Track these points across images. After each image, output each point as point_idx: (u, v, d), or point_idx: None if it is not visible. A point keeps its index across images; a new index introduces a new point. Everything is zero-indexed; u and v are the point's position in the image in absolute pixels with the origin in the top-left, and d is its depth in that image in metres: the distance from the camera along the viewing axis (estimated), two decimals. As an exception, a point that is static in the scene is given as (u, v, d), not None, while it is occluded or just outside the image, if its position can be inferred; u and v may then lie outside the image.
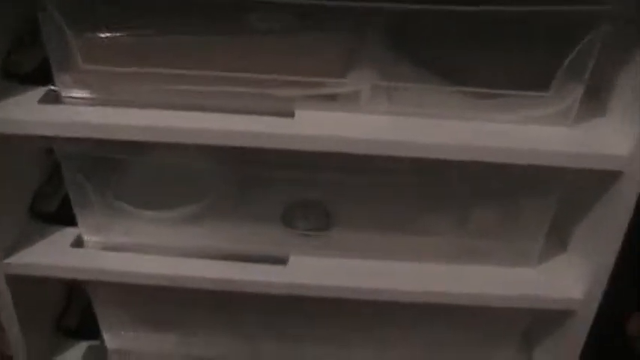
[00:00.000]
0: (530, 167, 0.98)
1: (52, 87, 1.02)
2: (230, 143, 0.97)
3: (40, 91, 1.03)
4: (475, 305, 1.13)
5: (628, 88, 0.98)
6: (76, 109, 1.00)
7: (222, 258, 1.14)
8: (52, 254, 1.16)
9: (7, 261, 1.13)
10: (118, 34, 0.99)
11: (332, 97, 1.00)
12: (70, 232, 1.19)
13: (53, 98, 1.02)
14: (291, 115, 0.98)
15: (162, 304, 1.26)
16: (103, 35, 0.98)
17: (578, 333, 1.16)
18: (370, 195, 1.12)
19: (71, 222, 1.18)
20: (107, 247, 1.16)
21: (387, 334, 1.27)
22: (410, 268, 1.15)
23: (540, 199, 1.09)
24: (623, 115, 0.98)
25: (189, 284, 1.13)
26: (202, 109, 0.98)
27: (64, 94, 1.01)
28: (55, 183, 1.23)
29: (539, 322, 1.26)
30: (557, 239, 1.19)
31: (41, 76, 1.03)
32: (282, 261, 1.14)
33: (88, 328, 1.35)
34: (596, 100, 1.04)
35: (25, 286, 1.20)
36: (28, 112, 0.99)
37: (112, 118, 0.98)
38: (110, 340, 1.33)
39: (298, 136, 0.96)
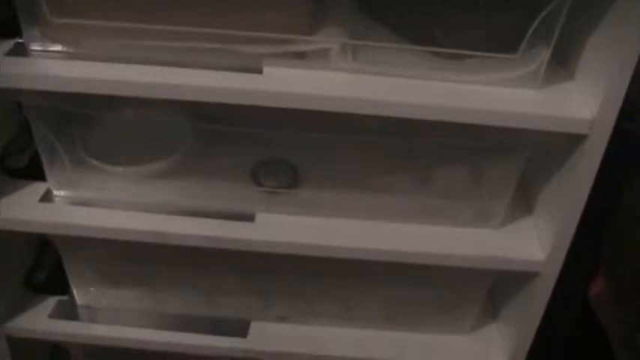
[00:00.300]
0: (496, 129, 0.99)
1: (20, 39, 1.02)
2: (199, 99, 0.97)
3: (8, 44, 1.03)
4: (438, 265, 1.14)
5: (594, 53, 1.00)
6: (45, 62, 1.00)
7: (190, 214, 1.15)
8: (21, 208, 1.16)
9: (-27, 214, 1.14)
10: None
11: (300, 55, 1.00)
12: (39, 187, 1.19)
13: (21, 51, 1.01)
14: (260, 71, 0.99)
15: (131, 260, 1.27)
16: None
17: (540, 295, 1.18)
18: (337, 153, 1.13)
19: (42, 178, 1.19)
20: (76, 202, 1.16)
21: (351, 292, 1.28)
22: (374, 226, 1.16)
23: (506, 161, 1.10)
24: (589, 79, 0.99)
25: (158, 240, 1.13)
26: (171, 64, 0.98)
27: (32, 47, 1.01)
28: (26, 138, 1.23)
29: (503, 283, 1.28)
30: (523, 201, 1.21)
31: (9, 29, 1.03)
32: (249, 218, 1.15)
33: (57, 284, 1.36)
34: (562, 64, 1.06)
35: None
36: (-6, 64, 0.99)
37: (81, 71, 0.98)
38: (80, 295, 1.34)
39: (266, 92, 0.96)
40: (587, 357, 1.48)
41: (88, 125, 1.18)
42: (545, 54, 0.99)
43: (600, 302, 1.37)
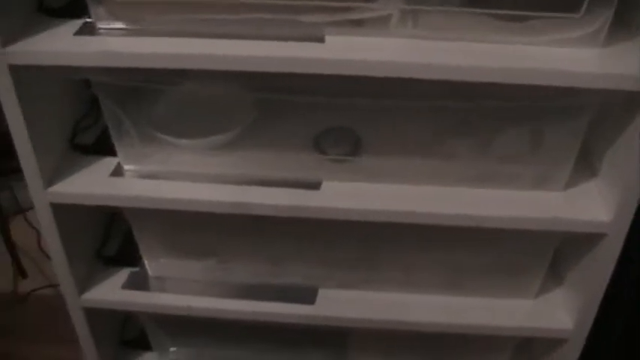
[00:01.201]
0: (558, 90, 0.99)
1: (88, 19, 1.05)
2: (262, 69, 0.98)
3: (75, 24, 1.06)
4: (502, 228, 1.14)
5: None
6: (111, 40, 1.03)
7: (255, 184, 1.17)
8: (93, 183, 1.19)
9: (50, 190, 1.18)
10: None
11: (360, 22, 1.01)
12: (109, 162, 1.23)
13: (89, 30, 1.04)
14: (322, 40, 1.00)
15: (198, 230, 1.30)
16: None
17: (607, 257, 1.17)
18: (398, 120, 1.13)
19: (111, 153, 1.22)
20: (145, 176, 1.19)
21: (415, 257, 1.29)
22: (437, 191, 1.17)
23: (569, 123, 1.10)
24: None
25: (224, 210, 1.16)
26: (233, 36, 1.00)
27: (99, 25, 1.04)
28: (95, 115, 1.26)
29: (569, 247, 1.27)
30: (586, 163, 1.20)
31: (75, 10, 1.06)
32: (315, 186, 1.17)
33: (128, 256, 1.40)
34: (625, 24, 1.04)
35: (67, 215, 1.24)
36: (64, 44, 1.02)
37: (146, 47, 1.00)
38: (150, 266, 1.38)
39: (329, 60, 0.97)
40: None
41: (154, 100, 1.21)
42: (607, 13, 0.98)
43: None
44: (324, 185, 1.17)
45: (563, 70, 0.98)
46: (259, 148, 1.20)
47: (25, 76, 1.04)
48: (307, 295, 1.33)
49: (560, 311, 1.31)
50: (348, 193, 1.16)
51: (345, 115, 1.16)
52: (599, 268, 1.20)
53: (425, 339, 1.36)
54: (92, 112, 1.26)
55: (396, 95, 1.04)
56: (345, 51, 0.98)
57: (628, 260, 1.19)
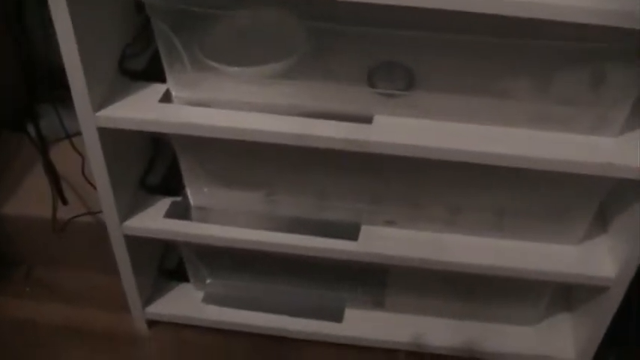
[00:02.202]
0: (617, 30, 0.96)
1: None
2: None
3: None
4: (553, 170, 1.13)
5: None
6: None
7: (307, 116, 1.16)
8: (141, 109, 1.19)
9: (98, 114, 1.17)
10: None
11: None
12: (158, 88, 1.22)
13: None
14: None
15: (245, 161, 1.29)
16: None
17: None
18: (454, 56, 1.11)
19: (160, 79, 1.21)
20: (194, 103, 1.19)
21: (461, 197, 1.29)
22: (491, 130, 1.16)
23: (628, 66, 1.07)
24: None
25: (273, 140, 1.15)
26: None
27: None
28: (144, 41, 1.25)
29: (616, 195, 1.25)
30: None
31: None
32: (367, 120, 1.16)
33: (171, 186, 1.40)
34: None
35: (114, 141, 1.24)
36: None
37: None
38: (193, 196, 1.38)
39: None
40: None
41: (207, 26, 1.19)
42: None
43: None
44: (376, 119, 1.16)
45: (622, 10, 0.95)
46: (312, 79, 1.18)
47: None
48: (350, 231, 1.33)
49: (604, 259, 1.30)
50: (400, 129, 1.15)
51: (400, 50, 1.14)
52: (647, 218, 1.19)
53: (464, 280, 1.36)
54: (143, 37, 1.25)
55: (451, 30, 1.02)
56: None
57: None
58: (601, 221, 1.34)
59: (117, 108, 1.19)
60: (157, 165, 1.44)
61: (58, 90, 1.35)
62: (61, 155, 1.59)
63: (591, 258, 1.31)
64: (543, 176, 1.15)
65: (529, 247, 1.32)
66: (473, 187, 1.26)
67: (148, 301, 1.56)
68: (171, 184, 1.40)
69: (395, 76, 1.17)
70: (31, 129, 1.63)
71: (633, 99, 1.12)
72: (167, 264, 1.61)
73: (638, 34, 0.97)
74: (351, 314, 1.53)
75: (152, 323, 1.59)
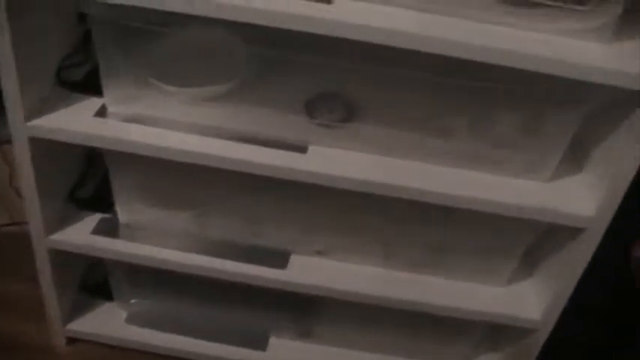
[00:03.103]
0: (559, 79, 0.98)
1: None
2: (263, 22, 0.96)
3: None
4: (486, 212, 1.14)
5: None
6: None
7: (242, 141, 1.15)
8: (75, 121, 1.16)
9: (30, 124, 1.14)
10: None
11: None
12: (94, 102, 1.20)
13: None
14: (329, 1, 0.98)
15: (178, 181, 1.27)
16: None
17: (584, 252, 1.18)
18: (394, 91, 1.12)
19: (97, 93, 1.19)
20: (129, 119, 1.17)
21: (393, 232, 1.29)
22: (424, 167, 1.17)
23: (565, 114, 1.09)
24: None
25: (208, 162, 1.14)
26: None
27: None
28: (85, 52, 1.23)
29: (545, 238, 1.27)
30: (573, 157, 1.20)
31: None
32: (302, 149, 1.15)
33: (101, 201, 1.37)
34: (636, 19, 1.03)
35: (45, 152, 1.21)
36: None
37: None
38: (123, 213, 1.35)
39: (333, 21, 0.95)
40: (622, 318, 1.49)
41: (150, 43, 1.17)
42: (617, 8, 0.97)
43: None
44: (311, 149, 1.16)
45: (567, 60, 0.97)
46: (250, 105, 1.18)
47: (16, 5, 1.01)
48: (279, 259, 1.32)
49: (530, 301, 1.32)
50: (334, 160, 1.15)
51: (340, 81, 1.15)
52: (573, 263, 1.20)
53: (393, 315, 1.36)
54: (84, 48, 1.23)
55: (393, 65, 1.03)
56: (349, 15, 0.96)
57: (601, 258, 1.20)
58: (529, 263, 1.36)
59: (50, 119, 1.16)
60: (88, 179, 1.41)
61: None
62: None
63: (518, 299, 1.32)
64: (474, 216, 1.16)
65: (458, 286, 1.33)
66: (405, 222, 1.26)
67: (69, 317, 1.51)
68: (101, 200, 1.37)
69: (334, 107, 1.17)
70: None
71: (565, 145, 1.14)
72: (92, 281, 1.57)
73: (575, 83, 0.99)
74: (276, 343, 1.52)
75: (72, 340, 1.54)
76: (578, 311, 1.29)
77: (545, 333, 1.31)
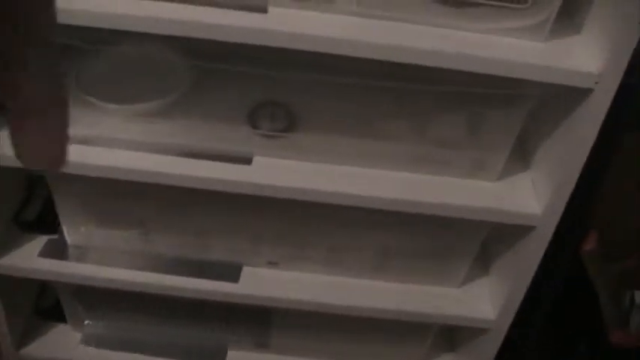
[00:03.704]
0: (499, 79, 0.98)
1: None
2: (202, 36, 0.95)
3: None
4: (432, 214, 1.14)
5: (603, 6, 0.98)
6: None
7: (186, 155, 1.13)
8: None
9: (-36, 148, 1.11)
10: None
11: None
12: (31, 122, 1.17)
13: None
14: (265, 11, 0.96)
15: (123, 199, 1.25)
16: None
17: (535, 250, 1.18)
18: (335, 98, 1.11)
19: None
20: (70, 139, 1.14)
21: (343, 238, 1.28)
22: (370, 173, 1.16)
23: (507, 113, 1.09)
24: (597, 33, 0.98)
25: (152, 179, 1.12)
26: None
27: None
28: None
29: (496, 237, 1.27)
30: (520, 155, 1.20)
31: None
32: (247, 161, 1.14)
33: (46, 223, 1.34)
34: (571, 16, 1.04)
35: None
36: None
37: (76, 3, 0.95)
38: (70, 234, 1.32)
39: (269, 31, 0.94)
40: (575, 313, 1.50)
41: (84, 60, 1.15)
42: (554, 5, 0.97)
43: (591, 259, 1.38)
44: (256, 160, 1.14)
45: (505, 59, 0.97)
46: (191, 118, 1.16)
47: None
48: (231, 272, 1.30)
49: (484, 301, 1.32)
50: (280, 170, 1.14)
51: (281, 90, 1.13)
52: (525, 261, 1.20)
53: (348, 321, 1.35)
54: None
55: (334, 73, 1.02)
56: (286, 24, 0.95)
57: (552, 255, 1.20)
58: (482, 263, 1.36)
59: (-15, 142, 1.13)
60: (32, 201, 1.38)
61: None
62: None
63: (471, 300, 1.32)
64: (424, 219, 1.16)
65: (410, 289, 1.32)
66: (354, 229, 1.25)
67: (21, 341, 1.48)
68: (47, 221, 1.34)
69: (276, 117, 1.15)
70: None
71: (511, 144, 1.14)
72: (43, 303, 1.54)
73: (515, 83, 0.99)
74: (234, 356, 1.50)
75: (26, 365, 1.51)
76: (532, 308, 1.30)
77: (501, 332, 1.31)
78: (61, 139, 0.38)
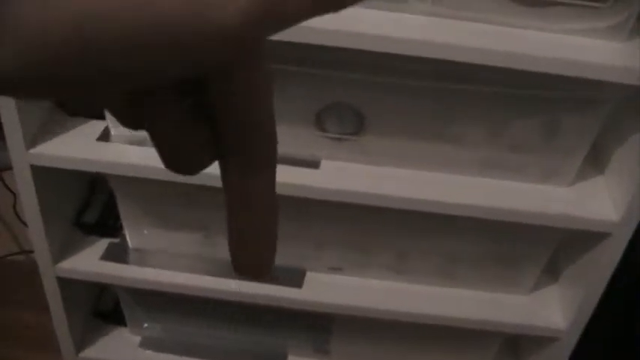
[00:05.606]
0: (576, 80, 0.95)
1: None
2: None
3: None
4: (505, 221, 1.10)
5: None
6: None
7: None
8: (79, 147, 1.13)
9: (31, 151, 1.11)
10: None
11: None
12: (97, 125, 1.16)
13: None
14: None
15: (185, 202, 1.24)
16: None
17: (610, 258, 1.14)
18: (406, 100, 1.08)
19: (99, 116, 1.16)
20: (133, 142, 1.13)
21: (409, 244, 1.24)
22: (440, 178, 1.13)
23: (584, 116, 1.05)
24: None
25: (216, 183, 1.10)
26: None
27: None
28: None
29: (569, 244, 1.23)
30: (595, 160, 1.16)
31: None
32: (314, 164, 1.11)
33: (108, 226, 1.34)
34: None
35: (48, 179, 1.18)
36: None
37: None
38: (132, 238, 1.31)
39: (340, 32, 0.92)
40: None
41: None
42: (635, 6, 0.93)
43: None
44: (324, 164, 1.12)
45: (583, 60, 0.94)
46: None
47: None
48: (295, 278, 1.28)
49: (554, 310, 1.27)
50: (347, 174, 1.11)
51: (350, 92, 1.11)
52: (599, 269, 1.16)
53: (412, 329, 1.32)
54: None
55: (404, 73, 0.99)
56: (360, 24, 0.93)
57: (627, 262, 1.16)
58: (552, 270, 1.32)
59: (51, 145, 1.12)
60: (93, 204, 1.37)
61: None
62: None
63: (541, 308, 1.28)
64: (494, 225, 1.12)
65: (478, 296, 1.29)
66: (422, 235, 1.22)
67: (81, 344, 1.48)
68: (108, 224, 1.34)
69: (344, 119, 1.13)
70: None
71: (587, 149, 1.10)
72: (103, 306, 1.54)
73: (594, 85, 0.96)
74: (294, 362, 1.48)
75: (85, 368, 1.51)
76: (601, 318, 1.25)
77: (571, 342, 1.26)
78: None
